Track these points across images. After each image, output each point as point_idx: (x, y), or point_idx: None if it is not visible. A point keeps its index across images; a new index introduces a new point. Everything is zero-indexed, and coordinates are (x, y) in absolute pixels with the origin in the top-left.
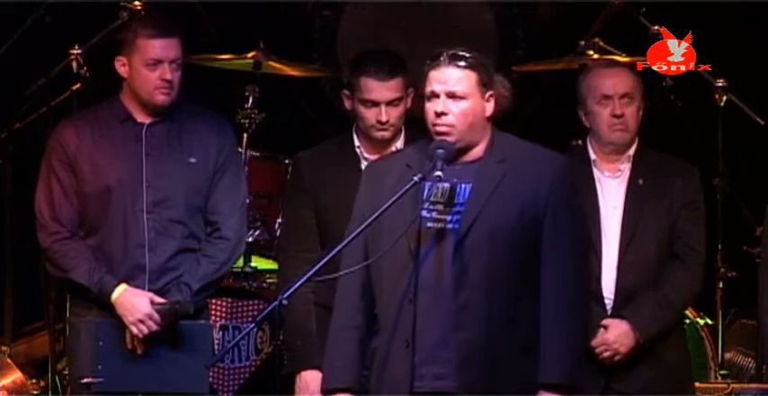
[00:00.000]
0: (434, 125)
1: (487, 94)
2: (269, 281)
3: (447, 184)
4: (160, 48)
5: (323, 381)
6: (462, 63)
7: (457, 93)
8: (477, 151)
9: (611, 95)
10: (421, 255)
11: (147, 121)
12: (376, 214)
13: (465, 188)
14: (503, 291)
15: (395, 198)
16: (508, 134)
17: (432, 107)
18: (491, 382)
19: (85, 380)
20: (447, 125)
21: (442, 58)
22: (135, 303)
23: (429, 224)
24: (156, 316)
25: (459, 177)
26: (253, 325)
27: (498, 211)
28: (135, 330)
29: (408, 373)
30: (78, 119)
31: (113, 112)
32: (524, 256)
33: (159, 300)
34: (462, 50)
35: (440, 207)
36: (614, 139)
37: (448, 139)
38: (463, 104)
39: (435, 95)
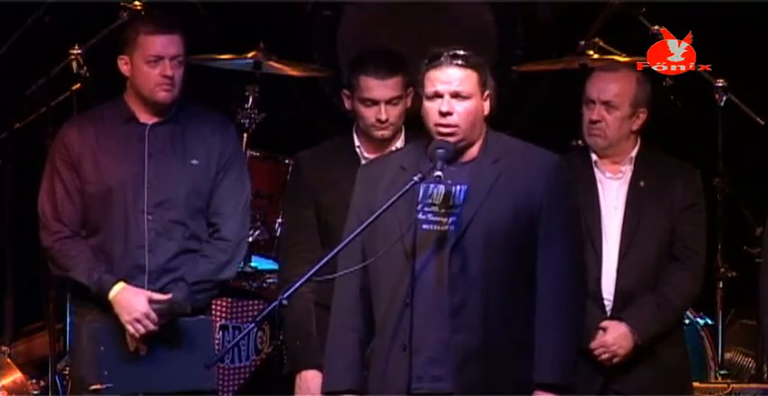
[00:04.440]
0: (438, 125)
1: (485, 94)
2: (269, 281)
3: (442, 187)
4: (161, 44)
5: (323, 382)
6: (464, 63)
7: (461, 92)
8: (473, 151)
9: (593, 100)
10: (418, 257)
11: (151, 121)
12: (375, 215)
13: (460, 190)
14: (499, 291)
15: (394, 199)
16: (501, 133)
17: (434, 107)
18: (488, 382)
19: (93, 387)
20: (452, 125)
21: (443, 58)
22: (133, 302)
23: (425, 226)
24: (154, 315)
25: (453, 178)
26: (253, 325)
27: (494, 213)
28: (131, 329)
29: (406, 374)
30: (82, 119)
31: (117, 113)
32: (520, 255)
33: (158, 297)
34: (461, 49)
35: (435, 209)
36: (589, 143)
37: (451, 139)
38: (467, 104)
39: (439, 95)
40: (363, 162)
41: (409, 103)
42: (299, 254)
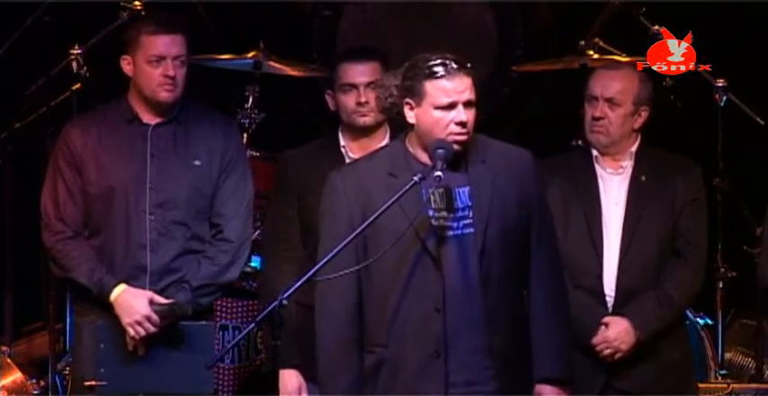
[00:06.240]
0: (455, 134)
1: None
2: None
3: (442, 189)
4: (162, 44)
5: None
6: (468, 70)
7: (471, 100)
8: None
9: (596, 96)
10: (443, 263)
11: (153, 121)
12: (375, 215)
13: (462, 192)
14: (518, 291)
15: (394, 199)
16: (479, 133)
17: (448, 117)
18: (519, 384)
19: (88, 383)
20: (466, 133)
21: (451, 67)
22: (133, 304)
23: (445, 232)
24: (155, 317)
25: (452, 180)
26: (253, 325)
27: (504, 214)
28: (132, 331)
29: (442, 382)
30: (85, 119)
31: (120, 113)
32: (521, 253)
33: (159, 299)
34: (454, 56)
35: (444, 214)
36: (591, 140)
37: (459, 147)
38: (474, 110)
39: (452, 106)
40: (348, 161)
41: None
42: (282, 253)
